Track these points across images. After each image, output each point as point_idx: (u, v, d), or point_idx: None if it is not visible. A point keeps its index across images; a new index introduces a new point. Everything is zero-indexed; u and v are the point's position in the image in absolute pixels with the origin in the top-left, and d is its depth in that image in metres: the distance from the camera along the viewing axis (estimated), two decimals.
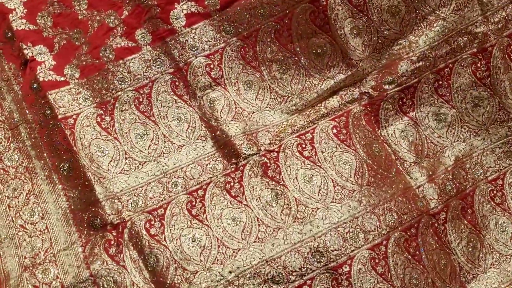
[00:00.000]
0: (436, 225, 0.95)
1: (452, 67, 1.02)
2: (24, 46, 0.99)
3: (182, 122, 1.00)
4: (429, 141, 1.02)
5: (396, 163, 1.00)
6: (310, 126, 1.00)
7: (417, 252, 0.90)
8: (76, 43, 0.99)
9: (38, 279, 0.88)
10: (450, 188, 0.98)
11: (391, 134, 1.01)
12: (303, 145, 0.99)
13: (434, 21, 0.98)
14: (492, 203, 1.00)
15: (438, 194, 0.97)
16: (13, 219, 0.94)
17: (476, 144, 1.02)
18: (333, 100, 1.02)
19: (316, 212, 0.92)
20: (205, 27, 1.01)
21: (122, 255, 0.89)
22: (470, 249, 0.96)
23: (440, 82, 1.02)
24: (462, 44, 0.99)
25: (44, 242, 0.92)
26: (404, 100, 1.02)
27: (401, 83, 1.00)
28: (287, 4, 0.99)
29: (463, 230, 0.97)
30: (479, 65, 1.01)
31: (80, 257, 0.90)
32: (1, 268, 0.90)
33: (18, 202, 0.95)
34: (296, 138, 0.99)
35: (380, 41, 1.01)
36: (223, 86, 1.01)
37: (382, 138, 1.00)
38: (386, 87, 1.00)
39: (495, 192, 1.01)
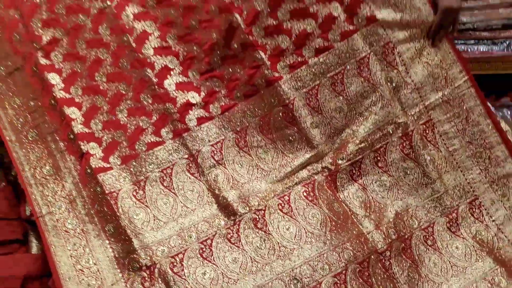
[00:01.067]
0: (383, 260, 1.28)
1: (385, 147, 1.35)
2: (82, 144, 1.35)
3: (194, 192, 1.36)
4: (375, 200, 1.35)
5: (351, 217, 1.33)
6: (287, 191, 1.35)
7: (369, 280, 1.23)
8: (118, 140, 1.37)
9: None
10: (392, 233, 1.31)
11: (346, 196, 1.35)
12: (282, 205, 1.34)
13: (368, 115, 1.34)
14: (426, 244, 1.33)
15: (384, 238, 1.30)
16: (74, 265, 1.28)
17: (410, 202, 1.35)
18: (303, 173, 1.36)
19: (293, 251, 1.28)
20: (210, 126, 1.37)
21: (154, 287, 1.25)
22: (411, 279, 1.28)
23: (379, 158, 1.35)
24: (390, 131, 1.34)
25: (97, 280, 1.27)
26: (354, 171, 1.36)
27: (350, 159, 1.34)
28: (267, 108, 1.36)
29: (404, 264, 1.29)
30: (404, 145, 1.34)
31: None
32: None
33: (77, 253, 1.30)
34: (277, 200, 1.34)
35: (332, 131, 1.35)
36: (223, 165, 1.36)
37: (340, 199, 1.36)
38: (340, 162, 1.34)
39: (427, 237, 1.33)
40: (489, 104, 1.37)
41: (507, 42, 1.80)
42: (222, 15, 1.33)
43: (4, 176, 1.66)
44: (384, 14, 1.31)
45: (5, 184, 1.63)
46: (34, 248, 1.49)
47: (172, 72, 1.37)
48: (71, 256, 1.31)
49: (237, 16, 1.33)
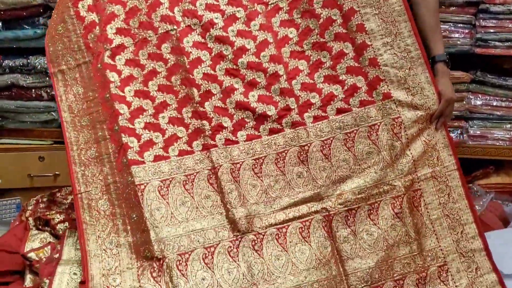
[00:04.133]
0: None
1: (379, 203, 1.54)
2: (123, 136, 1.52)
3: (209, 200, 1.54)
4: (361, 247, 1.51)
5: (336, 257, 1.51)
6: (286, 223, 1.53)
7: None
8: (155, 140, 1.54)
9: (109, 283, 1.41)
10: (366, 280, 1.48)
11: (338, 237, 1.53)
12: (279, 235, 1.52)
13: (369, 172, 1.54)
14: None
15: (357, 282, 1.47)
16: (101, 245, 1.46)
17: (391, 254, 1.51)
18: (303, 208, 1.54)
19: (278, 279, 1.46)
20: (234, 148, 1.55)
21: (160, 278, 1.42)
22: None
23: (372, 211, 1.53)
24: (385, 190, 1.53)
25: (115, 262, 1.45)
26: (349, 217, 1.52)
27: (347, 206, 1.52)
28: (287, 145, 1.56)
29: None
30: (395, 205, 1.52)
31: (135, 274, 1.43)
32: (89, 272, 1.41)
33: (104, 234, 1.48)
34: (276, 229, 1.52)
35: (337, 178, 1.54)
36: (238, 183, 1.54)
37: (331, 239, 1.52)
38: (338, 206, 1.52)
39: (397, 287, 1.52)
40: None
41: (459, 131, 2.08)
42: (270, 63, 1.58)
43: (20, 217, 1.86)
44: (399, 94, 1.56)
45: (18, 223, 1.83)
46: (28, 280, 1.62)
47: (213, 97, 1.59)
48: (98, 237, 1.48)
49: (282, 67, 1.58)
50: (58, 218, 1.77)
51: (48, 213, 1.80)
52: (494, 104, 2.07)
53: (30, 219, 1.81)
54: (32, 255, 1.62)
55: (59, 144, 2.13)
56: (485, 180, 2.12)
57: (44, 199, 1.93)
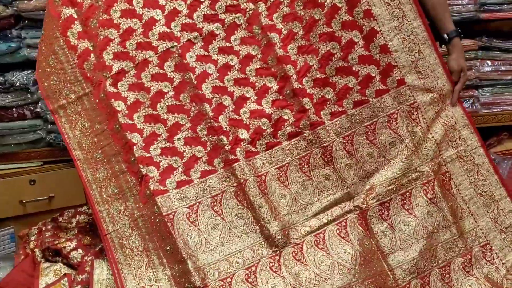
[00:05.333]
0: None
1: (411, 191, 1.51)
2: (141, 167, 1.47)
3: (241, 219, 1.49)
4: (401, 238, 1.50)
5: (377, 253, 1.48)
6: (322, 228, 1.50)
7: None
8: (174, 165, 1.49)
9: None
10: (413, 271, 1.46)
11: (376, 233, 1.51)
12: (318, 241, 1.49)
13: (395, 162, 1.51)
14: (443, 282, 1.48)
15: (404, 275, 1.45)
16: (139, 283, 1.39)
17: (432, 242, 1.50)
18: (336, 210, 1.51)
19: (327, 280, 1.43)
20: (256, 160, 1.51)
21: None
22: None
23: (405, 201, 1.51)
24: (415, 177, 1.51)
25: None
26: (383, 211, 1.50)
27: (379, 200, 1.49)
28: (309, 148, 1.52)
29: None
30: (427, 190, 1.50)
31: None
32: None
33: (140, 271, 1.41)
34: (314, 237, 1.49)
35: (364, 173, 1.52)
36: (267, 196, 1.50)
37: (370, 235, 1.51)
38: (370, 202, 1.50)
39: (444, 274, 1.49)
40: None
41: (471, 100, 2.05)
42: (279, 65, 1.52)
43: (24, 249, 1.72)
44: (412, 79, 1.53)
45: (24, 257, 1.68)
46: None
47: (226, 110, 1.53)
48: (135, 275, 1.42)
49: (291, 67, 1.51)
50: (70, 246, 1.63)
51: (57, 241, 1.65)
52: (503, 68, 2.05)
53: (37, 250, 1.66)
54: None
55: (50, 164, 2.01)
56: (499, 147, 2.11)
57: (48, 227, 1.77)
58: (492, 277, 1.49)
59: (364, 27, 1.50)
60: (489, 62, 2.06)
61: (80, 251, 1.61)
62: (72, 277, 1.53)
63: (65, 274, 1.55)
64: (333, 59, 1.52)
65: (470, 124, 1.55)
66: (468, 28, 2.04)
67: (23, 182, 1.98)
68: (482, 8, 2.01)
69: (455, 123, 1.55)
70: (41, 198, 1.98)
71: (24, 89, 1.98)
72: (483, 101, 2.11)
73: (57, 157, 1.94)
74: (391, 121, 1.53)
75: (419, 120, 1.53)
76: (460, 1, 1.99)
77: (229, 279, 1.42)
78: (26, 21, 1.99)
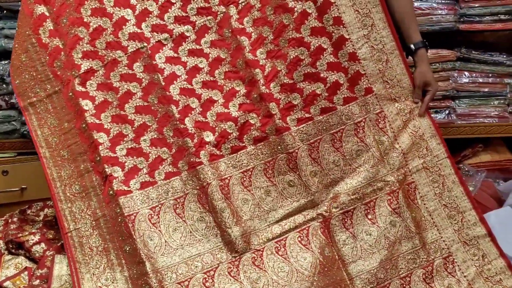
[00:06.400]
0: None
1: (375, 201, 1.51)
2: (106, 167, 1.47)
3: (203, 223, 1.49)
4: (362, 248, 1.49)
5: (338, 261, 1.48)
6: (283, 236, 1.49)
7: None
8: (139, 166, 1.50)
9: None
10: (372, 281, 1.46)
11: (337, 241, 1.51)
12: (279, 248, 1.49)
13: (361, 171, 1.51)
14: None
15: (363, 285, 1.46)
16: (96, 283, 1.41)
17: (393, 252, 1.50)
18: (299, 217, 1.51)
19: (284, 287, 1.42)
20: (220, 163, 1.50)
21: None
22: None
23: (368, 210, 1.50)
24: (379, 187, 1.51)
25: None
26: (346, 220, 1.50)
27: (342, 208, 1.49)
28: (274, 153, 1.52)
29: None
30: (392, 200, 1.50)
31: None
32: None
33: (98, 271, 1.43)
34: (274, 244, 1.49)
35: (329, 181, 1.51)
36: (229, 200, 1.50)
37: (331, 244, 1.51)
38: (333, 210, 1.49)
39: (404, 285, 1.48)
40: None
41: (447, 111, 2.05)
42: (247, 69, 1.52)
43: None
44: (379, 88, 1.53)
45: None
46: None
47: (193, 112, 1.54)
48: (93, 274, 1.43)
49: (259, 71, 1.52)
50: (32, 240, 1.63)
51: (21, 234, 1.65)
52: (481, 80, 2.05)
53: (1, 242, 1.67)
54: (8, 284, 1.49)
55: (23, 155, 2.01)
56: (474, 159, 2.11)
57: (14, 219, 1.77)
58: None
59: (333, 34, 1.51)
60: (467, 73, 2.05)
61: (43, 245, 1.62)
62: (32, 271, 1.53)
63: (25, 268, 1.55)
64: (302, 64, 1.52)
65: (438, 135, 1.55)
66: (447, 38, 2.05)
67: None
68: (461, 19, 2.01)
69: (423, 133, 1.54)
70: (12, 189, 1.98)
71: (0, 79, 1.98)
72: (459, 112, 2.11)
73: (30, 149, 1.93)
74: (358, 129, 1.53)
75: (386, 129, 1.53)
76: (439, 11, 1.99)
77: (186, 282, 1.42)
78: (4, 11, 1.99)
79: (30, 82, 1.56)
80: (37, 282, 1.48)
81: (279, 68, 1.53)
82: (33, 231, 1.67)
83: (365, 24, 1.50)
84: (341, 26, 1.50)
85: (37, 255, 1.59)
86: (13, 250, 1.64)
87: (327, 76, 1.52)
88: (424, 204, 1.54)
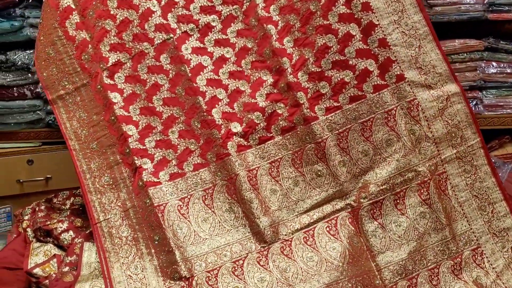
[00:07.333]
0: None
1: (405, 191, 1.49)
2: (136, 159, 1.49)
3: (231, 213, 1.50)
4: (391, 239, 1.48)
5: (366, 252, 1.47)
6: (312, 226, 1.49)
7: None
8: (168, 158, 1.51)
9: None
10: (400, 272, 1.45)
11: (366, 232, 1.50)
12: (307, 238, 1.49)
13: (391, 161, 1.49)
14: (431, 284, 1.45)
15: (392, 276, 1.44)
16: (125, 271, 1.41)
17: (423, 244, 1.48)
18: (327, 207, 1.51)
19: (314, 276, 1.42)
20: (248, 154, 1.51)
21: None
22: None
23: (398, 201, 1.48)
24: (410, 177, 1.48)
25: (142, 285, 1.40)
26: (375, 210, 1.48)
27: (371, 199, 1.48)
28: (302, 143, 1.51)
29: None
30: (422, 191, 1.47)
31: None
32: None
33: (127, 260, 1.44)
34: (303, 234, 1.49)
35: (357, 171, 1.49)
36: (257, 191, 1.50)
37: (360, 233, 1.51)
38: (362, 200, 1.48)
39: (432, 277, 1.46)
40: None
41: (474, 102, 1.98)
42: (274, 58, 1.51)
43: (17, 228, 1.72)
44: (411, 74, 1.49)
45: (16, 236, 1.69)
46: None
47: (220, 103, 1.53)
48: (122, 263, 1.44)
49: (287, 60, 1.51)
50: (61, 228, 1.63)
51: (49, 222, 1.65)
52: (508, 71, 1.97)
53: (29, 230, 1.67)
54: (38, 271, 1.50)
55: (49, 145, 1.99)
56: (500, 151, 2.04)
57: (42, 207, 1.77)
58: (481, 282, 1.46)
59: (362, 20, 1.48)
60: (494, 64, 1.99)
61: (71, 233, 1.63)
62: (61, 258, 1.55)
63: (54, 255, 1.57)
64: (330, 52, 1.49)
65: (474, 124, 1.51)
66: (477, 28, 2.00)
67: (21, 161, 1.97)
68: (490, 8, 1.95)
69: (459, 122, 1.51)
70: (38, 178, 1.98)
71: (26, 69, 1.96)
72: (486, 103, 2.05)
73: (55, 139, 1.93)
74: (389, 118, 1.50)
75: (419, 117, 1.50)
76: (468, 0, 1.93)
77: (215, 271, 1.43)
78: (30, 0, 1.99)
79: (58, 75, 1.58)
80: (66, 269, 1.51)
81: (306, 56, 1.51)
82: (61, 219, 1.67)
83: (395, 9, 1.47)
84: (370, 12, 1.47)
85: (65, 242, 1.61)
86: (41, 238, 1.64)
87: (356, 63, 1.50)
88: (455, 194, 1.51)
